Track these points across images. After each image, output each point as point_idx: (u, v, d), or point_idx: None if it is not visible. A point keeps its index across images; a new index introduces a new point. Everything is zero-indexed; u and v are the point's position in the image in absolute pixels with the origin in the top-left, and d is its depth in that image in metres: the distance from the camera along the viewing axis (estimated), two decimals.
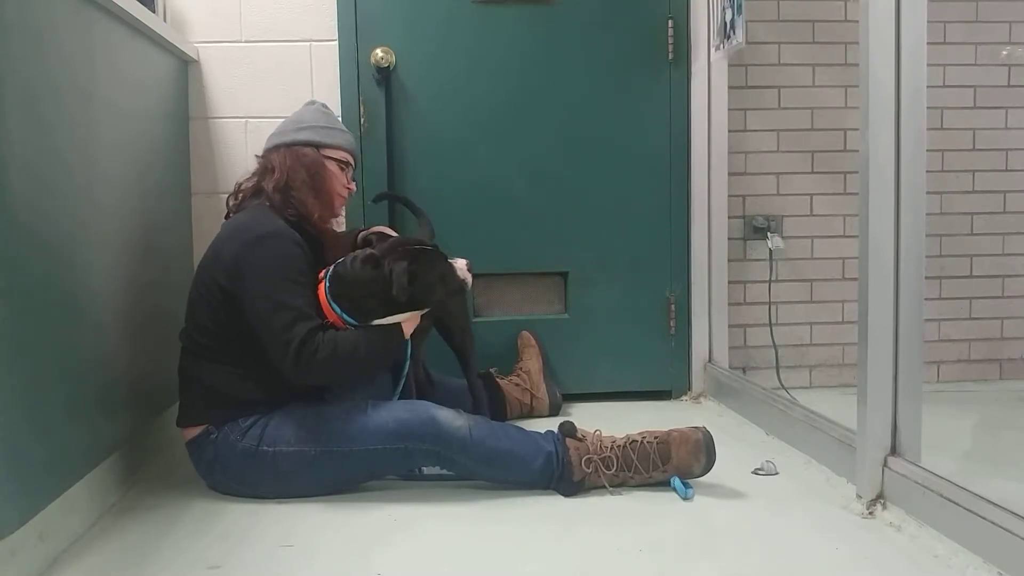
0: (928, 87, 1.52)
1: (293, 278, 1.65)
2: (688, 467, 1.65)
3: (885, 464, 1.53)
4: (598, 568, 1.33)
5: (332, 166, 1.84)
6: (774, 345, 2.69)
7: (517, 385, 2.31)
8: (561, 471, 1.64)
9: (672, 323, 2.53)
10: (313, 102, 1.95)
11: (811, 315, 2.75)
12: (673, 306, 2.53)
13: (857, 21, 1.54)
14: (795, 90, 2.69)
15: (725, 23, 2.30)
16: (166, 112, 2.19)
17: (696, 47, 2.47)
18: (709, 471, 1.66)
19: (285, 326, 1.59)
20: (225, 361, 1.67)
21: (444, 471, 1.68)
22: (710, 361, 2.55)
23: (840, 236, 2.72)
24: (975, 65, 2.73)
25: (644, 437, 1.67)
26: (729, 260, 2.57)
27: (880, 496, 1.53)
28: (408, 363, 1.80)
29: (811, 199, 2.72)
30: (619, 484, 1.67)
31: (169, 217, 2.18)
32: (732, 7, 2.23)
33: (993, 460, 1.92)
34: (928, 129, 1.54)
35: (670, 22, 2.46)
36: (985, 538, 1.26)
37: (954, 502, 1.34)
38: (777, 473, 1.78)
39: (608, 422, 1.81)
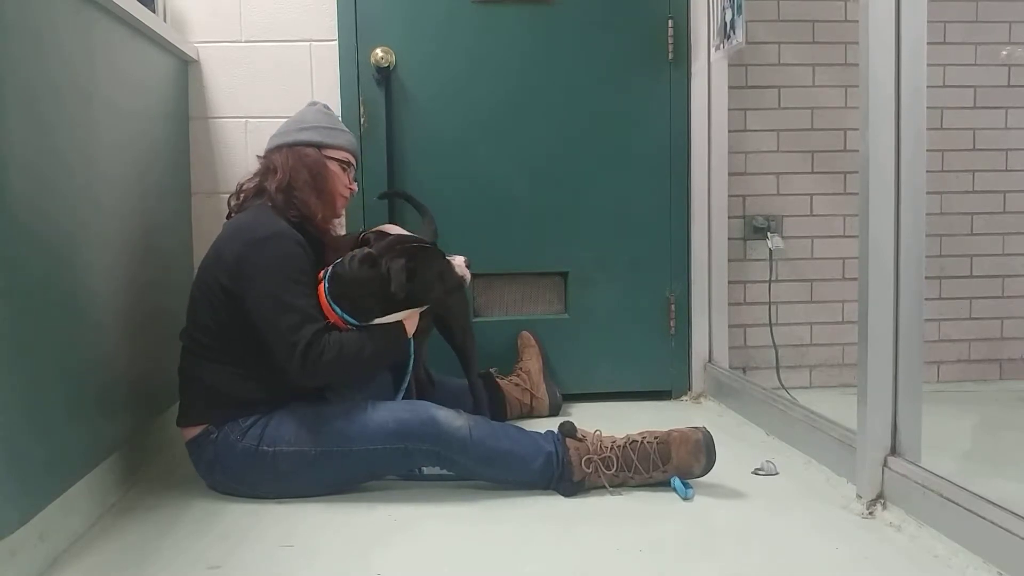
0: (928, 87, 1.52)
1: (296, 278, 1.65)
2: (688, 467, 1.65)
3: (885, 464, 1.53)
4: (598, 568, 1.33)
5: (334, 166, 1.84)
6: (774, 345, 2.69)
7: (517, 385, 2.31)
8: (561, 471, 1.64)
9: (672, 323, 2.53)
10: (315, 102, 1.96)
11: (811, 315, 2.75)
12: (673, 306, 2.53)
13: (857, 21, 1.54)
14: (795, 90, 2.69)
15: (725, 23, 2.30)
16: (166, 112, 2.19)
17: (696, 47, 2.47)
18: (709, 471, 1.66)
19: (291, 328, 1.59)
20: (226, 361, 1.67)
21: (444, 471, 1.68)
22: (710, 361, 2.55)
23: (840, 236, 2.72)
24: (975, 65, 2.73)
25: (644, 437, 1.67)
26: (729, 260, 2.57)
27: (880, 496, 1.53)
28: (411, 363, 1.80)
29: (811, 199, 2.72)
30: (619, 484, 1.67)
31: (169, 217, 2.18)
32: (732, 7, 2.23)
33: (993, 460, 1.92)
34: (928, 129, 1.54)
35: (670, 22, 2.46)
36: (985, 538, 1.26)
37: (954, 502, 1.34)
38: (777, 473, 1.78)
39: (608, 422, 1.81)
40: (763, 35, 2.64)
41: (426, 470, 1.72)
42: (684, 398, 2.55)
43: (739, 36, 2.20)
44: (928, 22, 1.50)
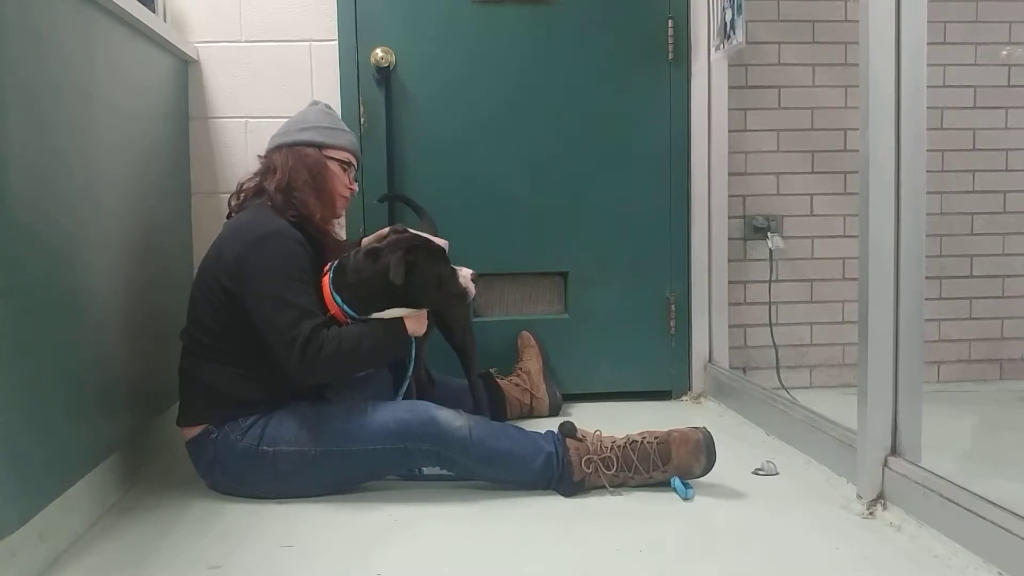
0: (928, 87, 1.52)
1: (296, 276, 1.65)
2: (688, 467, 1.65)
3: (885, 464, 1.53)
4: (598, 568, 1.33)
5: (334, 166, 1.84)
6: (774, 345, 2.69)
7: (517, 385, 2.31)
8: (561, 471, 1.64)
9: (672, 323, 2.53)
10: (316, 102, 1.96)
11: (811, 315, 2.75)
12: (673, 306, 2.53)
13: (857, 21, 1.54)
14: (795, 90, 2.69)
15: (725, 23, 2.30)
16: (166, 112, 2.19)
17: (696, 47, 2.47)
18: (709, 471, 1.66)
19: (290, 324, 1.59)
20: (226, 361, 1.67)
21: (444, 471, 1.68)
22: (710, 361, 2.55)
23: (840, 236, 2.72)
24: (975, 65, 2.73)
25: (644, 437, 1.67)
26: (729, 260, 2.57)
27: (880, 496, 1.53)
28: (412, 363, 1.80)
29: (811, 199, 2.72)
30: (619, 484, 1.67)
31: (169, 217, 2.18)
32: (732, 7, 2.23)
33: (993, 460, 1.92)
34: (928, 129, 1.54)
35: (670, 22, 2.46)
36: (985, 538, 1.27)
37: (954, 502, 1.34)
38: (777, 473, 1.78)
39: (608, 422, 1.81)
40: (763, 35, 2.64)
41: (426, 470, 1.72)
42: (684, 398, 2.55)
43: (739, 36, 2.20)
44: (928, 22, 1.50)
